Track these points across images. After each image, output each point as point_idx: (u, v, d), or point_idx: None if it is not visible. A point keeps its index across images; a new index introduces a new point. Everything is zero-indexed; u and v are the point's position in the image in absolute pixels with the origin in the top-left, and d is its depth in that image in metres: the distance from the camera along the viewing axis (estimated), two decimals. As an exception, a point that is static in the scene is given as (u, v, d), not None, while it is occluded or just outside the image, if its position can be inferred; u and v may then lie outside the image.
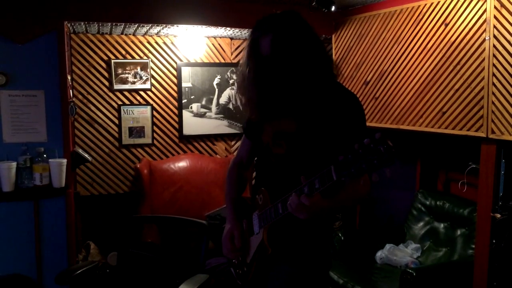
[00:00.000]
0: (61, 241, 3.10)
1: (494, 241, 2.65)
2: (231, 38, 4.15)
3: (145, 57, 3.91)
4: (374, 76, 3.47)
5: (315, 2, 3.19)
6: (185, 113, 4.08)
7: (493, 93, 2.57)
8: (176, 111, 4.06)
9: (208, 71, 4.12)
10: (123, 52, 3.85)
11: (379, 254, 3.39)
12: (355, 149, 1.23)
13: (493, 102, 2.57)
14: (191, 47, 4.04)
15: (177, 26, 3.43)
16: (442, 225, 3.33)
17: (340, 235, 3.47)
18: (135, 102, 3.93)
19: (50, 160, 3.00)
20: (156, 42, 3.93)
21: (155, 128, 4.01)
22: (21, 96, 3.01)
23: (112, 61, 3.81)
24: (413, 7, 3.09)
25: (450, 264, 3.03)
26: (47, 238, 3.08)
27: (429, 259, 3.24)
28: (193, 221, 2.59)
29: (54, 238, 3.09)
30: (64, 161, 3.03)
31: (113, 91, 3.86)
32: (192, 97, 4.09)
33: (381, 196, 3.95)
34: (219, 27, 3.52)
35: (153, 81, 3.96)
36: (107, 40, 3.80)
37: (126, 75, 3.87)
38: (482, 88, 2.63)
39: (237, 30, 3.66)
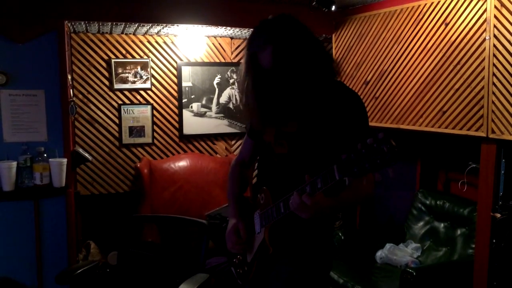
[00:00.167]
0: (61, 241, 3.10)
1: (494, 240, 2.65)
2: (231, 38, 4.15)
3: (145, 57, 3.91)
4: (374, 76, 3.47)
5: (315, 2, 3.19)
6: (185, 113, 4.08)
7: (493, 93, 2.57)
8: (176, 110, 4.06)
9: (209, 70, 4.12)
10: (123, 52, 3.85)
11: (379, 253, 3.39)
12: (358, 148, 1.23)
13: (493, 102, 2.57)
14: (191, 46, 4.04)
15: (177, 25, 3.43)
16: (442, 225, 3.33)
17: (340, 234, 3.47)
18: (135, 101, 3.93)
19: (50, 159, 3.00)
20: (157, 42, 3.93)
21: (155, 127, 4.01)
22: (22, 95, 3.01)
23: (112, 60, 3.81)
24: (413, 7, 3.08)
25: (450, 264, 3.03)
26: (47, 238, 3.08)
27: (429, 259, 3.25)
28: (193, 221, 2.59)
29: (54, 238, 3.09)
30: (65, 160, 3.03)
31: (113, 90, 3.86)
32: (192, 96, 4.09)
33: (381, 195, 3.95)
34: (219, 27, 3.52)
35: (153, 80, 3.96)
36: (107, 40, 3.80)
37: (126, 74, 3.87)
38: (482, 87, 2.63)
39: (237, 29, 3.66)
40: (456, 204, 3.25)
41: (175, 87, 4.04)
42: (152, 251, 2.60)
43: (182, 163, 3.97)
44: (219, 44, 4.13)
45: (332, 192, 1.46)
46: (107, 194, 3.90)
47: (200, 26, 3.45)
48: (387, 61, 3.33)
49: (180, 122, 4.07)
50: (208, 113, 4.17)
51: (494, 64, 2.55)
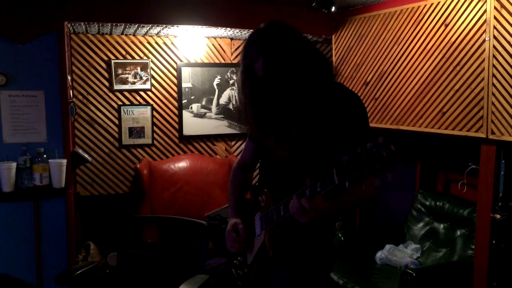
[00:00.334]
0: (61, 241, 3.10)
1: (493, 241, 2.65)
2: (231, 39, 4.15)
3: (145, 58, 3.91)
4: (374, 77, 3.47)
5: (315, 3, 3.19)
6: (185, 114, 4.08)
7: (493, 94, 2.57)
8: (176, 111, 4.07)
9: (208, 71, 4.12)
10: (123, 53, 3.85)
11: (379, 254, 3.39)
12: (357, 153, 1.22)
13: (493, 103, 2.57)
14: (191, 47, 4.04)
15: (177, 26, 3.43)
16: (442, 226, 3.33)
17: (340, 235, 3.47)
18: (135, 102, 3.93)
19: (50, 160, 3.00)
20: (156, 43, 3.93)
21: (155, 128, 4.01)
22: (21, 96, 3.01)
23: (112, 61, 3.81)
24: (413, 8, 3.09)
25: (450, 265, 3.03)
26: (47, 238, 3.08)
27: (429, 260, 3.24)
28: (193, 222, 2.59)
29: (54, 239, 3.09)
30: (64, 161, 3.03)
31: (113, 91, 3.86)
32: (192, 97, 4.09)
33: (381, 196, 3.95)
34: (219, 28, 3.52)
35: (153, 81, 3.96)
36: (107, 41, 3.80)
37: (126, 75, 3.87)
38: (482, 88, 2.63)
39: (237, 30, 3.66)
40: (456, 205, 3.25)
41: (175, 88, 4.04)
42: (151, 252, 2.60)
43: (182, 164, 3.97)
44: (219, 45, 4.14)
45: (332, 195, 1.45)
46: (106, 195, 3.90)
47: (200, 27, 3.45)
48: (387, 62, 3.33)
49: (180, 123, 4.07)
50: (208, 114, 4.17)
51: (494, 65, 2.55)
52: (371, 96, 3.49)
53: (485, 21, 2.59)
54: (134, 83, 3.90)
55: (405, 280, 2.71)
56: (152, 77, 3.95)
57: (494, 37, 2.54)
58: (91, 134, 3.82)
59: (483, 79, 2.62)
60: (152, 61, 3.94)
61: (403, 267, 3.15)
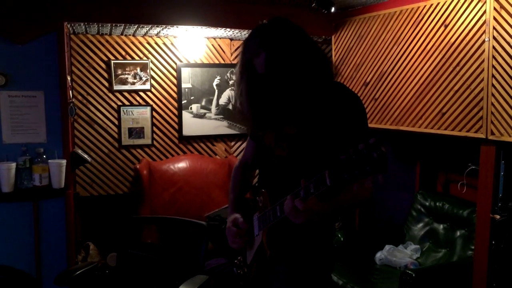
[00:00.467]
0: (61, 242, 3.10)
1: (493, 242, 2.65)
2: (231, 39, 4.15)
3: (144, 58, 3.91)
4: (373, 77, 3.47)
5: (314, 3, 3.19)
6: (185, 114, 4.08)
7: (493, 95, 2.57)
8: (175, 111, 4.07)
9: (208, 72, 4.13)
10: (123, 53, 3.85)
11: (379, 255, 3.39)
12: (349, 154, 1.21)
13: (492, 104, 2.57)
14: (191, 48, 4.04)
15: (177, 27, 3.43)
16: (441, 226, 3.33)
17: (339, 236, 3.47)
18: (134, 103, 3.93)
19: (49, 160, 3.00)
20: (156, 43, 3.93)
21: (154, 128, 4.01)
22: (21, 96, 3.01)
23: (112, 61, 3.81)
24: (412, 8, 3.09)
25: (449, 265, 3.03)
26: (46, 239, 3.08)
27: (429, 260, 3.24)
28: (192, 222, 2.59)
29: (54, 239, 3.09)
30: (64, 161, 3.03)
31: (112, 91, 3.86)
32: (191, 98, 4.09)
33: (381, 197, 3.95)
34: (219, 28, 3.52)
35: (152, 82, 3.96)
36: (107, 41, 3.80)
37: (126, 76, 3.87)
38: (482, 89, 2.63)
39: (236, 31, 3.67)
40: (455, 205, 3.25)
41: (175, 89, 4.04)
42: (151, 252, 2.60)
43: (182, 165, 3.97)
44: (219, 45, 4.14)
45: (327, 196, 1.45)
46: (106, 195, 3.90)
47: (199, 27, 3.45)
48: (387, 63, 3.33)
49: (180, 123, 4.08)
50: (207, 115, 4.17)
51: (493, 66, 2.56)
52: (370, 97, 3.49)
53: (484, 22, 2.60)
54: (133, 83, 3.90)
55: (405, 280, 2.71)
56: (152, 77, 3.95)
57: (494, 38, 2.54)
58: (90, 135, 3.82)
59: (482, 79, 2.62)
60: (151, 62, 3.94)
61: (403, 268, 3.15)
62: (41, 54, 3.01)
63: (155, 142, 4.03)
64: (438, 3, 2.90)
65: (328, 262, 1.77)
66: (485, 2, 2.58)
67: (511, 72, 2.47)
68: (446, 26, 2.86)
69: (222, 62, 4.17)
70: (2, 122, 2.98)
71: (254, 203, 1.83)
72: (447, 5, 2.84)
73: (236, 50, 4.20)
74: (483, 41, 2.61)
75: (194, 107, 4.11)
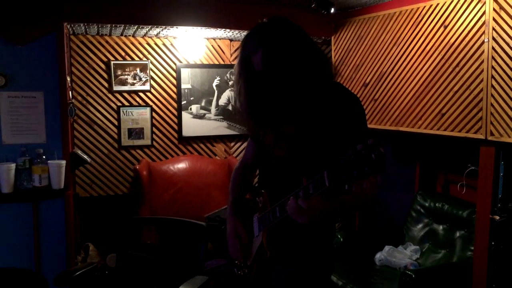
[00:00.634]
0: (60, 243, 3.10)
1: (493, 243, 2.65)
2: (231, 40, 4.16)
3: (144, 59, 3.91)
4: (373, 78, 3.47)
5: (314, 4, 3.19)
6: (185, 115, 4.08)
7: (492, 95, 2.57)
8: (175, 112, 4.07)
9: (208, 72, 4.13)
10: (123, 54, 3.86)
11: (378, 255, 3.39)
12: (348, 154, 1.22)
13: (492, 104, 2.57)
14: (191, 48, 4.04)
15: (177, 27, 3.43)
16: (441, 227, 3.33)
17: (339, 236, 3.47)
18: (134, 103, 3.93)
19: (49, 161, 3.00)
20: (156, 44, 3.93)
21: (154, 129, 4.01)
22: (21, 97, 3.01)
23: (112, 62, 3.81)
24: (412, 9, 3.09)
25: (449, 266, 3.03)
26: (46, 240, 3.08)
27: (428, 261, 3.24)
28: (192, 223, 2.59)
29: (53, 240, 3.09)
30: (63, 162, 3.03)
31: (112, 92, 3.86)
32: (191, 98, 4.09)
33: (380, 197, 3.94)
34: (219, 29, 3.53)
35: (152, 82, 3.96)
36: (107, 42, 3.80)
37: (126, 76, 3.87)
38: (481, 90, 2.63)
39: (236, 31, 3.67)
40: (455, 206, 3.25)
41: (174, 89, 4.04)
42: (151, 253, 2.60)
43: (181, 165, 3.97)
44: (218, 46, 4.14)
45: (331, 196, 1.45)
46: (106, 196, 3.89)
47: (199, 28, 3.45)
48: (386, 63, 3.33)
49: (179, 124, 4.08)
50: (207, 115, 4.17)
51: (492, 67, 2.56)
52: (370, 97, 3.50)
53: (484, 23, 2.60)
54: (133, 84, 3.90)
55: (405, 281, 2.71)
56: (152, 78, 3.95)
57: (493, 38, 2.55)
58: (90, 135, 3.82)
59: (482, 80, 2.62)
60: (151, 62, 3.94)
61: (403, 268, 3.15)
62: (41, 54, 3.01)
63: (154, 143, 4.03)
64: (438, 4, 2.90)
65: (329, 263, 1.77)
66: (485, 3, 2.58)
67: (511, 73, 2.47)
68: (445, 27, 2.86)
69: (222, 62, 4.17)
70: (1, 122, 2.98)
71: (254, 204, 1.83)
72: (446, 6, 2.84)
73: (235, 50, 4.20)
74: (483, 42, 2.61)
75: (194, 107, 4.11)
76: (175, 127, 4.09)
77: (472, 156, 2.94)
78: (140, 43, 3.89)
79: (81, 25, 3.29)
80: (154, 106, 3.99)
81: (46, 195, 3.02)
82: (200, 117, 4.14)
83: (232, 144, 4.31)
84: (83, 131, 3.80)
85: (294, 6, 3.45)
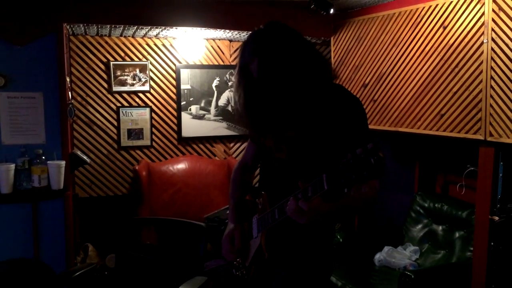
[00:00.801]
0: (59, 243, 3.09)
1: (492, 243, 2.65)
2: (230, 40, 4.16)
3: (144, 59, 3.91)
4: (372, 79, 3.48)
5: (313, 5, 3.19)
6: (184, 115, 4.08)
7: (491, 96, 2.57)
8: (175, 113, 4.07)
9: (207, 73, 4.13)
10: (122, 54, 3.86)
11: (378, 256, 3.39)
12: (347, 158, 1.22)
13: (491, 105, 2.58)
14: (190, 49, 4.04)
15: (176, 28, 3.43)
16: (440, 228, 3.33)
17: (338, 237, 3.47)
18: (134, 104, 3.93)
19: (48, 162, 3.00)
20: (155, 44, 3.94)
21: (154, 130, 4.01)
22: (20, 98, 3.01)
23: (111, 63, 3.81)
24: (411, 10, 3.09)
25: (448, 267, 3.03)
26: (45, 240, 3.07)
27: (428, 262, 3.25)
28: (191, 223, 2.60)
29: (53, 240, 3.08)
30: (63, 163, 3.03)
31: (112, 93, 3.86)
32: (191, 99, 4.09)
33: (380, 198, 3.92)
34: (218, 29, 3.53)
35: (152, 83, 3.96)
36: (106, 42, 3.80)
37: (125, 77, 3.87)
38: (480, 90, 2.63)
39: (236, 32, 3.67)
40: (454, 207, 3.26)
41: (174, 90, 4.04)
42: (150, 253, 2.60)
43: (181, 166, 3.97)
44: (218, 46, 4.14)
45: (332, 198, 1.45)
46: (105, 196, 3.89)
47: (199, 28, 3.45)
48: (386, 64, 3.33)
49: (179, 124, 4.08)
50: (206, 116, 4.17)
51: (492, 67, 2.56)
52: (369, 98, 3.50)
53: (483, 24, 2.60)
54: (133, 84, 3.90)
55: (404, 282, 2.71)
56: (151, 78, 3.95)
57: (492, 39, 2.55)
58: (89, 136, 3.82)
59: (481, 81, 2.63)
60: (151, 63, 3.94)
61: (402, 269, 3.15)
62: (40, 55, 3.01)
63: (154, 143, 4.03)
64: (437, 5, 2.90)
65: (328, 264, 1.76)
66: (484, 3, 2.58)
67: (510, 74, 2.47)
68: (445, 28, 2.86)
69: (221, 63, 4.17)
70: (1, 123, 2.98)
71: (253, 205, 1.83)
72: (445, 7, 2.85)
73: (235, 51, 4.20)
74: (482, 43, 2.61)
75: (193, 108, 4.11)
76: (175, 127, 4.09)
77: (471, 156, 2.95)
78: (139, 44, 3.89)
79: (81, 25, 3.30)
80: (153, 107, 3.99)
81: (46, 196, 3.02)
82: (200, 117, 4.15)
83: (232, 144, 4.31)
84: (82, 131, 3.80)
85: (294, 7, 3.45)
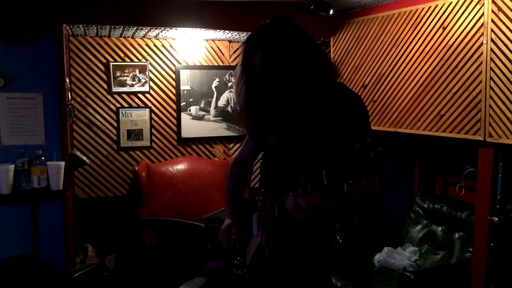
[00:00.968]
0: (59, 244, 3.09)
1: (491, 244, 2.66)
2: (230, 41, 4.16)
3: (143, 60, 3.91)
4: (372, 79, 3.48)
5: (313, 5, 3.20)
6: (184, 116, 4.08)
7: (491, 97, 2.58)
8: (174, 113, 4.07)
9: (207, 74, 4.13)
10: (122, 55, 3.86)
11: (377, 257, 3.39)
12: (346, 153, 1.22)
13: (490, 106, 2.58)
14: (190, 50, 4.04)
15: (176, 29, 3.43)
16: (440, 228, 3.33)
17: (338, 238, 3.47)
18: (133, 104, 3.93)
19: (48, 162, 3.00)
20: (155, 45, 3.94)
21: (153, 130, 4.01)
22: (20, 98, 3.01)
23: (111, 63, 3.81)
24: (411, 11, 3.10)
25: (448, 267, 3.03)
26: (44, 241, 3.07)
27: (427, 262, 3.25)
28: (191, 224, 2.60)
29: (52, 241, 3.08)
30: (62, 163, 3.03)
31: (111, 93, 3.85)
32: (190, 99, 4.09)
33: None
34: (218, 30, 3.53)
35: (151, 83, 3.96)
36: (106, 43, 3.80)
37: (125, 77, 3.87)
38: (480, 91, 2.64)
39: (235, 33, 3.67)
40: (454, 207, 3.26)
41: (174, 91, 4.04)
42: (150, 254, 2.60)
43: (180, 166, 3.97)
44: (218, 47, 4.14)
45: (333, 194, 1.45)
46: (105, 197, 3.89)
47: (198, 29, 3.45)
48: (385, 65, 3.34)
49: (178, 125, 4.08)
50: (206, 117, 4.17)
51: (491, 68, 2.56)
52: (369, 99, 3.50)
53: (482, 24, 2.60)
54: (132, 85, 3.90)
55: (403, 282, 2.71)
56: (151, 79, 3.95)
57: (492, 40, 2.55)
58: (89, 137, 3.82)
59: (480, 82, 2.63)
60: (150, 64, 3.94)
61: (401, 270, 3.15)
62: (40, 56, 3.01)
63: (153, 144, 4.03)
64: (437, 6, 2.91)
65: (328, 263, 1.76)
66: (483, 4, 2.59)
67: (509, 74, 2.48)
68: (444, 29, 2.86)
69: (221, 64, 4.17)
70: (0, 124, 2.98)
71: (253, 203, 1.83)
72: (445, 8, 2.85)
73: (235, 52, 4.20)
74: (481, 44, 2.62)
75: (193, 109, 4.11)
76: (174, 128, 4.09)
77: (470, 157, 2.95)
78: (139, 44, 3.89)
79: (80, 26, 3.30)
80: (153, 108, 3.98)
81: (45, 197, 3.02)
82: (199, 118, 4.14)
83: (231, 145, 4.31)
84: (82, 132, 3.79)
85: (293, 7, 3.45)
